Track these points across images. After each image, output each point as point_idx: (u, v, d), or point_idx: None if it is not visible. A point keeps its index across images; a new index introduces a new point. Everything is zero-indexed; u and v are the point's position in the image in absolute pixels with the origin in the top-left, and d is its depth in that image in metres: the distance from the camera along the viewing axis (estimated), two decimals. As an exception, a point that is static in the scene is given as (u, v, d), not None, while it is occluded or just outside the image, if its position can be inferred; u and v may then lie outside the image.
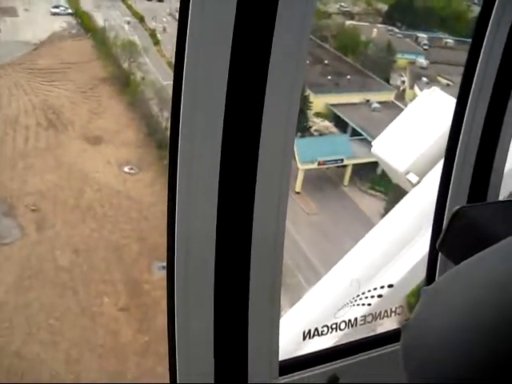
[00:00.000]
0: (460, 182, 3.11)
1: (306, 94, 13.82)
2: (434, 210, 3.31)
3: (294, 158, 12.30)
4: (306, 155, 12.98)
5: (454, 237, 2.24)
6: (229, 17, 1.87)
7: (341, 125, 14.22)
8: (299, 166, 12.80)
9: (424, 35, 15.32)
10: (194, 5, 1.84)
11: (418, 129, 5.23)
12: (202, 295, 2.20)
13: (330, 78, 14.89)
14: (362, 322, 3.60)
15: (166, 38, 15.04)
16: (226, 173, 2.05)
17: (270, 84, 2.01)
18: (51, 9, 15.21)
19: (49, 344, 9.23)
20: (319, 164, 13.39)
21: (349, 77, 15.06)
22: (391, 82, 15.06)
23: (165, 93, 13.31)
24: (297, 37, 2.02)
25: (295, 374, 2.78)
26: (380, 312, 3.67)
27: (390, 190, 12.80)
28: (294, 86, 2.11)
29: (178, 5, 1.94)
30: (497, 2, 2.76)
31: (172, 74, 1.99)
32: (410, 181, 4.99)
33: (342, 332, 3.49)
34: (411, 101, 12.59)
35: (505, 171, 3.50)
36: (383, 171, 13.38)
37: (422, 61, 14.92)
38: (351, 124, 14.14)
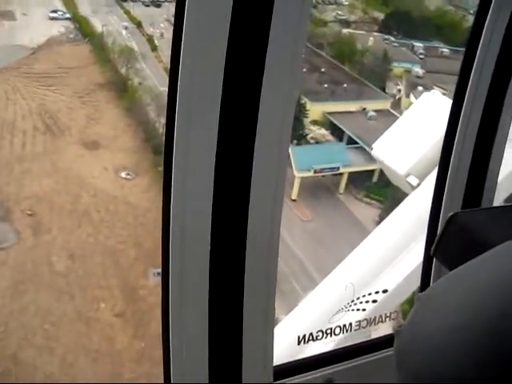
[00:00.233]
0: (454, 188, 3.10)
1: (303, 101, 13.85)
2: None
3: (291, 165, 12.33)
4: (303, 163, 13.00)
5: (449, 242, 2.27)
6: (224, 24, 1.87)
7: (337, 133, 14.26)
8: (295, 173, 12.81)
9: (420, 44, 15.39)
10: (189, 12, 1.84)
11: (418, 132, 5.23)
12: (196, 298, 2.19)
13: (326, 86, 14.97)
14: (357, 328, 3.63)
15: (164, 43, 15.05)
16: (221, 179, 2.05)
17: (265, 91, 2.01)
18: (49, 13, 15.18)
19: (44, 349, 9.22)
20: (315, 172, 13.41)
21: (345, 85, 15.11)
22: (387, 90, 15.13)
23: (162, 99, 13.29)
24: (292, 44, 2.02)
25: (290, 378, 2.78)
26: (375, 317, 3.70)
27: (385, 198, 12.85)
28: (289, 94, 2.10)
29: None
30: (490, 12, 2.79)
31: (169, 80, 2.00)
32: (410, 183, 5.00)
33: (336, 337, 3.52)
34: (407, 109, 12.65)
35: (501, 177, 3.52)
36: (379, 179, 13.45)
37: (417, 70, 15.01)
38: (347, 132, 14.18)
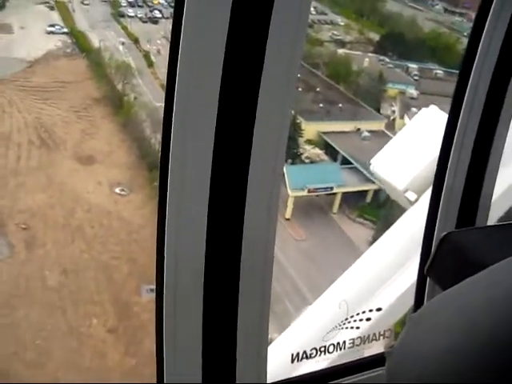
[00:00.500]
0: (449, 207, 3.09)
1: (298, 121, 13.89)
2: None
3: (285, 184, 12.34)
4: (297, 182, 13.02)
5: (442, 261, 2.27)
6: (220, 42, 1.87)
7: (331, 153, 14.30)
8: (289, 192, 12.83)
9: (414, 66, 15.48)
10: (186, 29, 1.85)
11: (416, 147, 5.22)
12: (190, 297, 2.17)
13: (321, 105, 15.04)
14: (351, 346, 3.62)
15: (160, 60, 15.08)
16: (216, 197, 2.04)
17: (260, 109, 2.00)
18: (47, 27, 15.22)
19: (35, 365, 9.16)
20: (309, 191, 13.42)
21: (340, 105, 15.18)
22: (382, 111, 15.18)
23: (157, 115, 13.30)
24: (287, 61, 2.01)
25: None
26: (369, 336, 3.71)
27: (379, 219, 12.86)
28: (284, 112, 2.10)
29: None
30: (484, 33, 2.79)
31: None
32: (408, 199, 5.00)
33: (330, 355, 3.51)
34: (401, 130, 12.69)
35: (497, 195, 3.52)
36: (372, 200, 13.48)
37: (412, 91, 15.08)
38: (342, 152, 14.22)
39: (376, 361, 3.00)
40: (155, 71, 15.20)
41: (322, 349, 3.49)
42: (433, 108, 5.38)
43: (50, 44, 15.19)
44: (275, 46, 1.93)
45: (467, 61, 2.89)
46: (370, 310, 4.03)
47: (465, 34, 14.69)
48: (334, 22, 16.46)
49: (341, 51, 15.98)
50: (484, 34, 2.79)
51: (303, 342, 3.74)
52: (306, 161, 13.95)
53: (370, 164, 5.77)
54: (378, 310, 4.08)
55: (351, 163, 13.92)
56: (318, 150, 14.10)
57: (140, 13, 16.21)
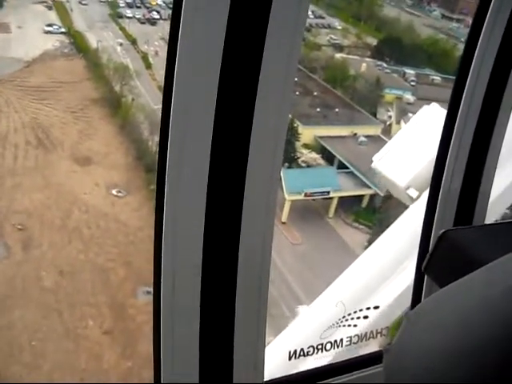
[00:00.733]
0: (446, 205, 3.08)
1: (295, 125, 13.91)
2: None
3: (281, 188, 12.35)
4: (293, 186, 13.06)
5: (440, 259, 2.30)
6: (218, 45, 1.86)
7: (327, 157, 14.34)
8: (286, 196, 12.86)
9: (411, 71, 15.51)
10: (184, 32, 1.84)
11: (418, 144, 5.20)
12: (188, 298, 2.17)
13: (318, 110, 15.05)
14: (348, 343, 3.60)
15: (158, 61, 15.05)
16: (213, 200, 2.04)
17: (258, 113, 2.00)
18: (44, 27, 15.17)
19: (31, 366, 9.15)
20: (306, 195, 13.44)
21: (337, 110, 15.21)
22: (378, 116, 15.20)
23: (155, 117, 13.27)
24: (284, 67, 2.00)
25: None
26: (366, 333, 3.67)
27: (374, 224, 12.89)
28: (282, 117, 2.09)
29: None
30: (480, 40, 2.78)
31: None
32: (410, 196, 5.00)
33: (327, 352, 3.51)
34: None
35: (496, 194, 3.51)
36: (367, 205, 13.51)
37: (408, 97, 15.12)
38: (338, 157, 14.25)
39: (374, 358, 3.01)
40: (153, 73, 15.17)
41: (320, 346, 3.47)
42: (434, 105, 5.38)
43: (48, 44, 15.14)
44: (273, 50, 1.93)
45: (465, 60, 2.89)
46: (368, 308, 4.02)
47: (462, 40, 14.71)
48: (331, 26, 16.46)
49: (338, 56, 15.99)
50: (485, 26, 2.77)
51: (301, 340, 3.78)
52: (303, 165, 13.96)
53: (371, 165, 5.77)
54: (376, 308, 4.09)
55: (347, 168, 13.95)
56: (314, 154, 14.11)
57: (138, 14, 16.16)
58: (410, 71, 15.47)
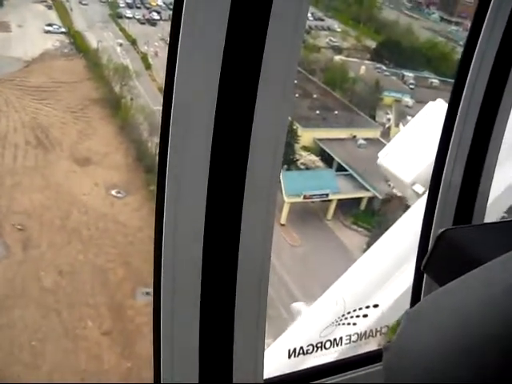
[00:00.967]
0: (446, 204, 3.10)
1: (294, 127, 13.92)
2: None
3: (280, 190, 12.36)
4: (293, 188, 13.07)
5: (439, 258, 2.32)
6: (218, 46, 1.87)
7: (326, 159, 14.35)
8: (285, 198, 12.86)
9: (410, 74, 15.51)
10: (184, 33, 1.86)
11: (423, 140, 5.20)
12: (188, 297, 2.19)
13: (318, 112, 15.06)
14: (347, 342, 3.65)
15: (158, 62, 15.02)
16: (213, 201, 2.04)
17: (258, 115, 2.00)
18: (44, 26, 15.13)
19: (30, 366, 9.15)
20: (305, 197, 13.45)
21: (336, 112, 15.21)
22: (377, 119, 15.20)
23: (154, 118, 13.26)
24: (284, 68, 2.02)
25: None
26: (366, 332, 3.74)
27: (372, 226, 12.91)
28: (282, 119, 2.11)
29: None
30: (482, 34, 2.83)
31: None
32: (415, 191, 5.02)
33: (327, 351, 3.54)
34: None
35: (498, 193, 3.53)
36: (366, 207, 13.53)
37: (407, 100, 15.12)
38: (337, 159, 14.26)
39: (373, 357, 3.03)
40: (153, 74, 15.15)
41: (319, 345, 3.49)
42: (439, 101, 5.38)
43: (48, 43, 15.10)
44: (273, 51, 1.94)
45: (466, 57, 2.93)
46: (367, 307, 4.07)
47: (460, 43, 14.72)
48: (331, 29, 16.46)
49: (337, 58, 15.98)
50: (487, 17, 2.82)
51: (300, 338, 3.79)
52: (302, 167, 13.96)
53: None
54: (375, 306, 4.13)
55: (346, 170, 13.97)
56: (313, 157, 14.12)
57: (138, 14, 16.12)
58: (408, 74, 15.45)
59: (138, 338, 9.71)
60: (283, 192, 12.70)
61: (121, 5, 16.22)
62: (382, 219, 12.66)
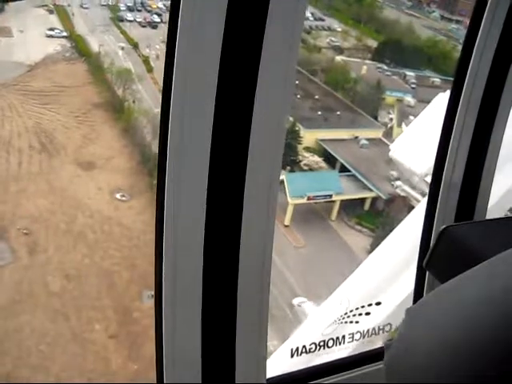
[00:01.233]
0: (447, 201, 3.13)
1: (297, 128, 13.94)
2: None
3: (285, 192, 12.40)
4: (297, 190, 13.10)
5: (441, 255, 2.34)
6: (215, 47, 1.88)
7: (329, 160, 14.36)
8: (289, 200, 12.88)
9: (412, 73, 15.50)
10: (182, 34, 1.87)
11: (434, 132, 5.21)
12: (189, 298, 2.20)
13: (320, 113, 15.05)
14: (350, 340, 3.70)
15: (159, 65, 15.02)
16: (213, 202, 2.06)
17: (256, 116, 2.02)
18: (46, 31, 15.14)
19: (39, 369, 9.19)
20: (308, 199, 13.47)
21: (338, 113, 15.20)
22: (379, 119, 15.20)
23: (157, 121, 13.23)
24: (283, 68, 2.02)
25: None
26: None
27: (376, 227, 12.93)
28: (280, 119, 2.11)
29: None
30: (481, 30, 2.89)
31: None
32: (428, 183, 5.04)
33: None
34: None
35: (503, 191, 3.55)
36: (370, 208, 13.55)
37: (409, 99, 15.12)
38: (340, 160, 14.27)
39: (376, 355, 3.08)
40: (154, 76, 15.15)
41: (322, 343, 3.52)
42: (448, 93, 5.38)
43: (50, 48, 15.07)
44: (271, 51, 1.96)
45: (464, 56, 2.99)
46: (370, 305, 4.11)
47: (461, 41, 14.66)
48: (331, 29, 16.45)
49: (339, 58, 15.97)
50: (485, 15, 2.88)
51: (303, 337, 3.85)
52: (305, 168, 13.98)
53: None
54: (378, 304, 4.17)
55: (349, 171, 13.98)
56: (316, 158, 14.12)
57: (139, 17, 16.12)
58: (410, 73, 15.44)
59: (145, 339, 9.73)
60: (287, 194, 12.73)
61: (121, 8, 16.21)
62: (385, 220, 12.68)
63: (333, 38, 16.20)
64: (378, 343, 3.82)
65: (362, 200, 13.80)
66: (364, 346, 3.81)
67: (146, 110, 14.20)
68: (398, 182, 12.47)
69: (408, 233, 4.90)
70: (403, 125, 13.97)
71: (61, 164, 12.76)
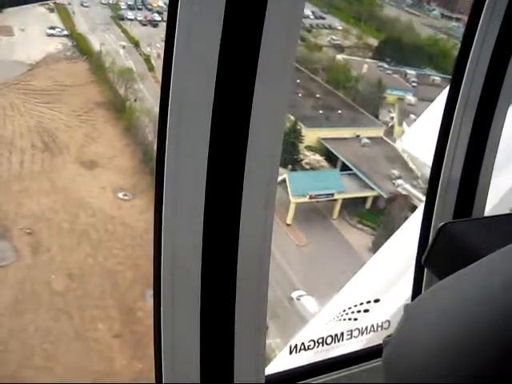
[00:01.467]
0: (446, 198, 3.12)
1: (298, 127, 13.96)
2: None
3: (287, 191, 12.44)
4: (299, 189, 13.13)
5: (439, 252, 2.36)
6: (214, 44, 1.90)
7: (331, 159, 14.36)
8: (291, 199, 12.92)
9: (413, 72, 15.51)
10: (180, 32, 1.88)
11: None
12: (188, 297, 2.21)
13: (321, 112, 15.05)
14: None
15: (160, 64, 14.96)
16: (212, 201, 2.08)
17: (255, 115, 2.03)
18: (47, 30, 15.12)
19: (43, 368, 9.21)
20: (310, 197, 13.50)
21: (340, 111, 15.19)
22: (380, 117, 15.21)
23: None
24: (281, 65, 2.03)
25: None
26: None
27: (378, 225, 12.96)
28: (278, 118, 2.12)
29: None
30: (479, 27, 2.92)
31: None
32: None
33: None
34: (399, 137, 12.80)
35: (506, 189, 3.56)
36: (371, 207, 13.58)
37: (410, 98, 15.13)
38: (341, 159, 14.29)
39: (373, 352, 3.11)
40: (156, 75, 15.14)
41: (320, 340, 3.50)
42: None
43: (51, 47, 15.05)
44: (269, 48, 1.97)
45: (462, 53, 3.02)
46: (368, 302, 4.05)
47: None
48: (332, 27, 16.44)
49: (340, 57, 15.98)
50: (484, 12, 2.92)
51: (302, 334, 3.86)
52: (307, 167, 13.99)
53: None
54: (376, 301, 4.11)
55: (351, 169, 14.02)
56: (318, 156, 14.14)
57: (139, 15, 16.10)
58: (411, 72, 15.45)
59: (149, 339, 9.73)
60: (289, 192, 12.77)
61: (122, 6, 16.19)
62: (387, 218, 12.71)
63: (333, 37, 16.18)
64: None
65: (364, 199, 13.82)
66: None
67: (147, 109, 14.19)
68: (400, 181, 12.52)
69: (413, 232, 4.90)
70: (404, 124, 13.97)
71: (63, 163, 12.76)
